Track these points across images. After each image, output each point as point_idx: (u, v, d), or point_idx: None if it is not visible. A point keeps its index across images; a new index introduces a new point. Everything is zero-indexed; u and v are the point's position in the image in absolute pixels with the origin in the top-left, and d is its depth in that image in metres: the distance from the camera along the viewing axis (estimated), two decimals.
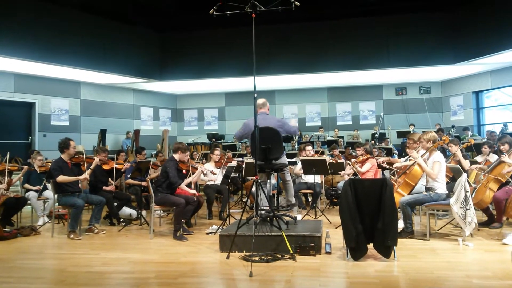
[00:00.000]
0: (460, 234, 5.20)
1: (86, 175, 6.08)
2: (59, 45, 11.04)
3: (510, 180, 5.36)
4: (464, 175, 5.05)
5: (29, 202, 6.86)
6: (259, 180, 4.81)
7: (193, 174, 6.41)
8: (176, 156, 5.99)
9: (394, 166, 6.06)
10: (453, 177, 5.97)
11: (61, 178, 5.83)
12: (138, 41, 13.37)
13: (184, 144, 6.24)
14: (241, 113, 15.93)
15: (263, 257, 4.28)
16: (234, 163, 7.48)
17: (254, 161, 4.86)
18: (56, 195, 5.94)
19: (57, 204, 6.09)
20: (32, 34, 10.49)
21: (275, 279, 3.75)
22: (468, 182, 5.05)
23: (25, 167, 7.01)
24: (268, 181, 5.55)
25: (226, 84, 15.02)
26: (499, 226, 5.62)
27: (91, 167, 6.22)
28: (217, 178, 7.29)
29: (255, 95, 4.79)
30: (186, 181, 6.25)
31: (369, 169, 7.07)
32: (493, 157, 6.36)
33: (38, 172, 7.23)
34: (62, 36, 11.16)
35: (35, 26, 10.59)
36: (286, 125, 5.39)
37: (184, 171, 6.38)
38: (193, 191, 6.09)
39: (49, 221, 6.70)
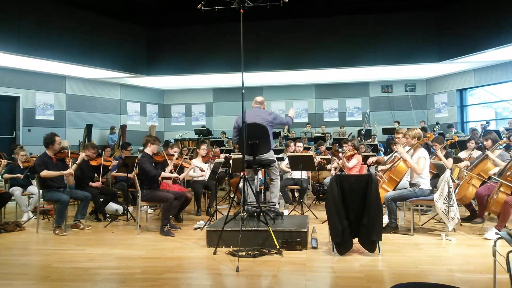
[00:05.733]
0: (443, 229, 5.30)
1: (71, 170, 5.98)
2: (45, 39, 10.87)
3: (493, 177, 5.48)
4: (448, 171, 5.15)
5: (13, 197, 6.76)
6: (246, 176, 4.83)
7: (169, 162, 6.44)
8: (148, 150, 5.91)
9: (379, 168, 6.11)
10: (436, 173, 6.07)
11: (45, 173, 5.75)
12: (126, 36, 13.23)
13: (151, 136, 6.18)
14: (229, 109, 15.92)
15: (250, 252, 4.31)
16: (221, 158, 7.49)
17: (241, 156, 4.87)
18: (41, 191, 5.88)
19: (42, 199, 6.01)
20: (17, 27, 10.31)
21: (261, 274, 3.78)
22: (452, 178, 5.15)
23: (4, 161, 6.88)
24: (256, 176, 5.56)
25: (214, 80, 14.97)
26: (481, 221, 5.74)
27: (77, 162, 6.14)
28: (205, 174, 7.29)
29: (243, 91, 4.79)
30: (167, 171, 6.26)
31: (355, 165, 7.15)
32: (476, 153, 6.49)
33: (22, 167, 7.12)
34: (48, 30, 10.99)
35: (20, 19, 10.41)
36: (279, 118, 5.45)
37: (171, 165, 6.38)
38: (174, 174, 6.12)
39: (34, 217, 6.63)
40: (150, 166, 5.72)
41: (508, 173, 5.13)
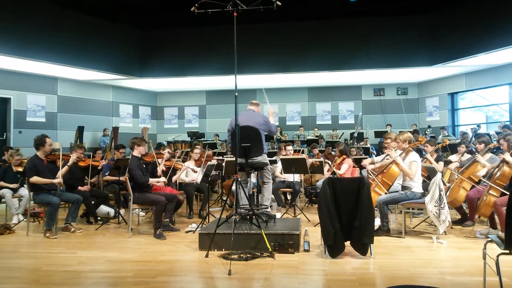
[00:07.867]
0: (435, 232, 5.33)
1: (60, 179, 5.85)
2: (36, 40, 10.78)
3: (482, 179, 5.53)
4: (439, 174, 5.18)
5: (3, 200, 6.69)
6: (239, 179, 4.82)
7: (160, 163, 6.43)
8: (136, 153, 5.84)
9: (370, 168, 6.12)
10: (428, 176, 6.11)
11: (34, 179, 5.68)
12: (118, 37, 13.17)
13: (137, 138, 6.09)
14: (222, 112, 15.92)
15: (242, 255, 4.30)
16: (214, 161, 7.47)
17: (234, 159, 4.87)
18: (31, 193, 5.81)
19: (32, 202, 5.95)
20: (8, 28, 10.22)
21: (253, 277, 3.78)
22: (443, 181, 5.19)
23: None
24: (249, 179, 5.56)
25: (207, 82, 14.96)
26: (472, 224, 5.79)
27: (68, 164, 6.07)
28: (198, 176, 7.27)
29: (236, 93, 4.80)
30: (158, 170, 6.23)
31: (346, 169, 7.18)
32: (466, 157, 6.55)
33: (14, 171, 7.03)
34: (40, 31, 10.90)
35: (11, 20, 10.31)
36: (269, 124, 5.42)
37: (162, 164, 6.37)
38: (162, 179, 6.08)
39: (24, 220, 6.56)
40: (139, 172, 5.63)
41: (497, 175, 5.18)
